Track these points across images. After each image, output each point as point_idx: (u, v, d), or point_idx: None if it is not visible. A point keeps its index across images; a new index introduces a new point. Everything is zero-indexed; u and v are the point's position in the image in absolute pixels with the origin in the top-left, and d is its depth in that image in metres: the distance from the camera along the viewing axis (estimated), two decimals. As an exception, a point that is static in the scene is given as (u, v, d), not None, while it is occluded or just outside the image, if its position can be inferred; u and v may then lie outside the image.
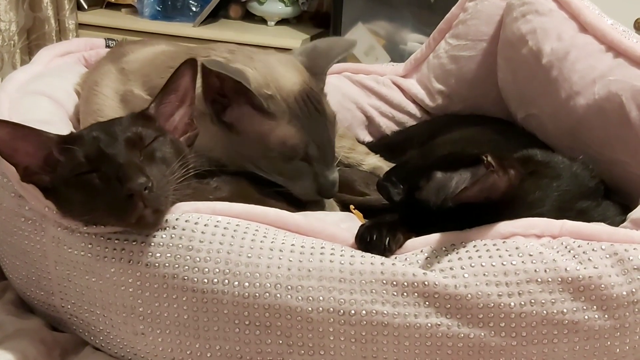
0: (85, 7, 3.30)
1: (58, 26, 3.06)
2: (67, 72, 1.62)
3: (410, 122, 1.98)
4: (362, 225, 1.19)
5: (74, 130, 1.20)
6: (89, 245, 1.12)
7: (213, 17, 3.32)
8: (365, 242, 1.14)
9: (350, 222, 1.36)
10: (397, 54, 3.00)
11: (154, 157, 1.14)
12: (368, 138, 1.99)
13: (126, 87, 1.41)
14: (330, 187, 1.39)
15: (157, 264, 1.08)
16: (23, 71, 1.53)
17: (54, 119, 1.32)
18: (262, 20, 3.38)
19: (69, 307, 1.19)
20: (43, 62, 1.58)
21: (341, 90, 1.93)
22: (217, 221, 1.12)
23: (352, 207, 1.49)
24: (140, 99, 1.38)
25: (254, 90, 1.29)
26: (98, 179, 1.08)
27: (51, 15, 3.02)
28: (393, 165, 1.57)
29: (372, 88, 1.99)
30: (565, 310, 1.06)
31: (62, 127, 1.27)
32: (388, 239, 1.14)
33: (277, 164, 1.36)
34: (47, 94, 1.43)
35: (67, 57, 1.67)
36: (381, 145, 1.88)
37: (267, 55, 1.42)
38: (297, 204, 1.42)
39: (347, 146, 1.74)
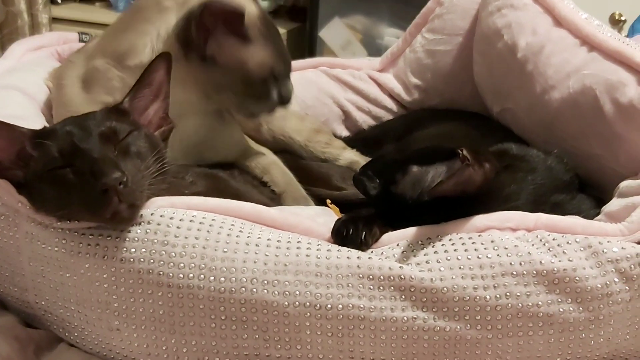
0: (59, 1, 3.28)
1: (31, 20, 3.04)
2: (39, 66, 1.61)
3: (387, 116, 1.99)
4: (338, 220, 1.19)
5: (47, 125, 1.19)
6: (63, 241, 1.11)
7: (188, 11, 3.32)
8: (341, 236, 1.14)
9: (326, 217, 1.37)
10: (374, 49, 3.02)
11: (129, 152, 1.14)
12: (345, 133, 1.99)
13: (87, 67, 1.41)
14: (289, 95, 1.51)
15: (132, 259, 1.08)
16: None
17: (27, 113, 1.31)
18: (239, 14, 3.38)
19: (43, 303, 1.18)
20: (15, 57, 1.58)
21: (317, 85, 1.94)
22: (193, 216, 1.12)
23: (328, 201, 1.50)
24: (103, 68, 1.38)
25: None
26: (72, 174, 1.07)
27: (24, 9, 3.00)
28: (370, 159, 1.58)
29: (349, 82, 2.00)
30: (540, 303, 1.07)
31: (36, 122, 1.26)
32: (364, 233, 1.14)
33: (251, 87, 1.43)
34: (20, 88, 1.43)
35: (39, 52, 1.66)
36: (358, 139, 1.89)
37: None
38: (273, 199, 1.43)
39: (324, 141, 1.75)
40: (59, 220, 1.11)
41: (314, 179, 1.62)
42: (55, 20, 3.15)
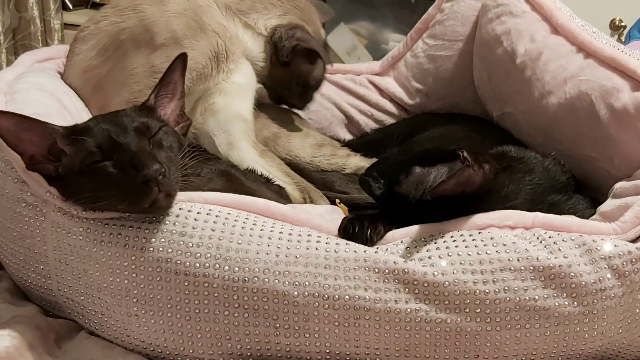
0: (71, 7, 3.26)
1: (43, 26, 3.02)
2: (51, 70, 1.64)
3: (389, 120, 2.02)
4: (344, 218, 1.23)
5: (77, 122, 1.24)
6: (87, 230, 1.15)
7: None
8: (348, 233, 1.18)
9: (335, 215, 1.40)
10: (378, 54, 2.99)
11: (162, 146, 1.19)
12: (348, 136, 2.02)
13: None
14: (309, 103, 1.91)
15: (151, 249, 1.12)
16: (8, 72, 1.53)
17: (49, 111, 1.33)
18: (245, 20, 3.38)
19: (65, 290, 1.21)
20: (25, 66, 1.59)
21: (319, 91, 1.96)
22: (210, 209, 1.16)
23: (337, 200, 1.54)
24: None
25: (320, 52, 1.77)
26: (112, 167, 1.12)
27: (37, 15, 3.00)
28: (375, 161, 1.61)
29: (350, 88, 2.03)
30: (536, 297, 1.11)
31: (58, 119, 1.29)
32: (370, 230, 1.18)
33: (298, 88, 1.82)
34: (37, 86, 1.46)
35: (46, 63, 1.68)
36: (362, 143, 1.92)
37: (305, 4, 1.83)
38: (281, 194, 1.47)
39: (328, 153, 1.78)
40: (85, 209, 1.15)
41: (317, 186, 1.64)
42: (67, 26, 3.14)
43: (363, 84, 2.05)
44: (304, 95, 1.86)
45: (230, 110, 1.63)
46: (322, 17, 1.92)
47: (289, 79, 1.80)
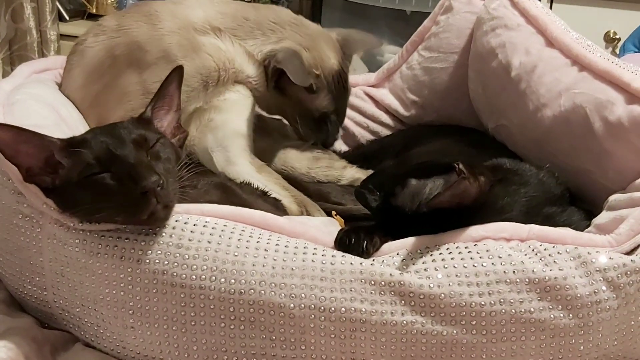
0: (67, 18, 3.29)
1: (40, 37, 3.03)
2: (49, 82, 1.65)
3: (384, 131, 2.03)
4: (340, 230, 1.23)
5: (75, 134, 1.24)
6: (84, 242, 1.15)
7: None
8: (344, 245, 1.19)
9: (331, 227, 1.41)
10: (374, 65, 2.99)
11: (160, 157, 1.19)
12: (344, 148, 2.03)
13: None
14: (330, 141, 1.85)
15: (147, 261, 1.12)
16: (6, 82, 1.54)
17: (47, 123, 1.33)
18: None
19: (61, 302, 1.21)
20: (23, 76, 1.60)
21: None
22: (206, 222, 1.17)
23: (334, 212, 1.54)
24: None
25: (307, 74, 1.68)
26: (110, 179, 1.12)
27: (33, 26, 3.01)
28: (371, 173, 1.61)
29: (345, 100, 2.03)
30: (532, 310, 1.11)
31: (55, 130, 1.29)
32: (366, 242, 1.19)
33: (304, 119, 1.77)
34: (36, 97, 1.46)
35: (44, 74, 1.69)
36: (357, 155, 1.93)
37: (315, 31, 1.77)
38: (278, 207, 1.47)
39: (325, 165, 1.79)
40: (82, 221, 1.16)
41: (313, 198, 1.65)
42: (63, 36, 3.15)
43: (359, 95, 2.05)
44: (318, 129, 1.80)
45: (229, 127, 1.63)
46: (361, 46, 1.93)
47: (289, 108, 1.77)
